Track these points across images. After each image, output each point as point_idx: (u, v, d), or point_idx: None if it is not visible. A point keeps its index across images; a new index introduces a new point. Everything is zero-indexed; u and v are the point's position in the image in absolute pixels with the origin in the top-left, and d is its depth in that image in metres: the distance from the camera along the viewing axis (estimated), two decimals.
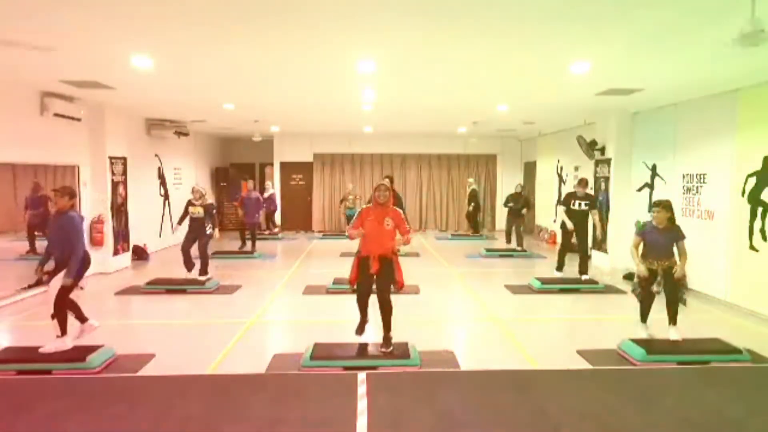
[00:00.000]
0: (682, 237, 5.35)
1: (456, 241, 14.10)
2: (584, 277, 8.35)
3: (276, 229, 14.86)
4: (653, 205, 5.47)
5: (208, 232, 8.37)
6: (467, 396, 4.20)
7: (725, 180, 7.36)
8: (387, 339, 5.02)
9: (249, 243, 11.74)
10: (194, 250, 8.41)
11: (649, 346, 5.11)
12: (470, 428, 3.70)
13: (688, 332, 5.46)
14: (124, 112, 9.94)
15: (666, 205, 5.36)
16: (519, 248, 11.63)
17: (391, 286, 5.01)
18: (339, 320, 6.14)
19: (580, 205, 8.38)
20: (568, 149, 12.29)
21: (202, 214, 8.29)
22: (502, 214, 14.19)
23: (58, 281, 4.86)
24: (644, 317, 5.56)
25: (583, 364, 5.01)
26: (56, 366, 4.75)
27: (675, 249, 5.37)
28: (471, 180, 14.76)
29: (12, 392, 4.30)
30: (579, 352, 5.26)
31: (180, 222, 8.62)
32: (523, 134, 15.03)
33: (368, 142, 15.72)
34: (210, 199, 8.62)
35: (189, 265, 8.31)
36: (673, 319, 5.38)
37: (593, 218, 8.52)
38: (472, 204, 14.29)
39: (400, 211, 5.05)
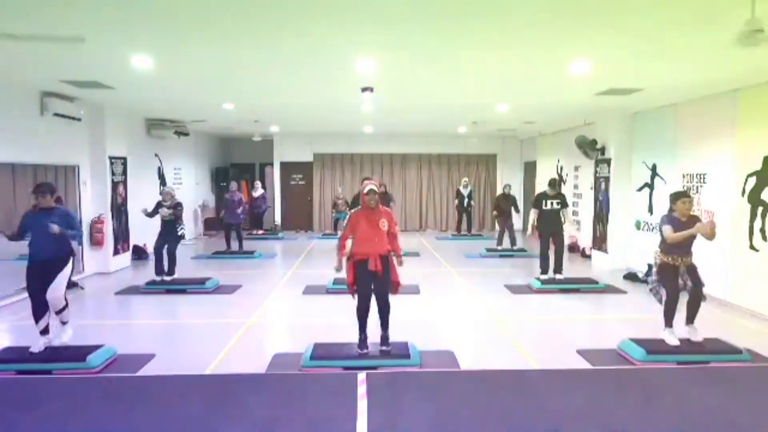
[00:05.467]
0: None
1: (456, 241, 14.09)
2: (558, 276, 8.27)
3: (260, 231, 14.76)
4: (680, 195, 5.20)
5: (179, 234, 8.24)
6: (467, 396, 4.20)
7: (725, 180, 7.35)
8: (385, 338, 5.02)
9: (235, 244, 11.49)
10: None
11: (649, 346, 5.09)
12: (470, 428, 3.70)
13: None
14: (124, 112, 9.94)
15: (691, 196, 5.26)
16: (514, 247, 11.64)
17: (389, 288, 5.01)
18: (339, 320, 6.14)
19: (552, 204, 8.39)
20: (568, 149, 12.28)
21: (171, 217, 8.12)
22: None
23: (64, 277, 5.04)
24: (670, 320, 5.21)
25: (583, 364, 5.01)
26: (56, 366, 4.75)
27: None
28: (465, 180, 14.64)
29: (12, 392, 4.30)
30: (579, 352, 5.26)
31: (149, 215, 8.33)
32: (523, 134, 15.03)
33: (368, 142, 15.71)
34: (177, 198, 8.54)
35: (159, 268, 8.12)
36: (692, 319, 5.22)
37: (564, 217, 8.51)
38: (456, 201, 14.40)
39: (391, 211, 5.08)
